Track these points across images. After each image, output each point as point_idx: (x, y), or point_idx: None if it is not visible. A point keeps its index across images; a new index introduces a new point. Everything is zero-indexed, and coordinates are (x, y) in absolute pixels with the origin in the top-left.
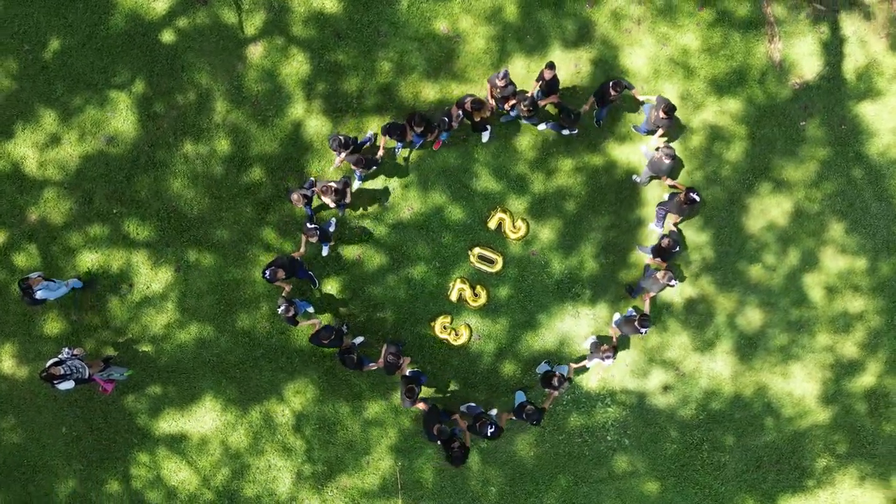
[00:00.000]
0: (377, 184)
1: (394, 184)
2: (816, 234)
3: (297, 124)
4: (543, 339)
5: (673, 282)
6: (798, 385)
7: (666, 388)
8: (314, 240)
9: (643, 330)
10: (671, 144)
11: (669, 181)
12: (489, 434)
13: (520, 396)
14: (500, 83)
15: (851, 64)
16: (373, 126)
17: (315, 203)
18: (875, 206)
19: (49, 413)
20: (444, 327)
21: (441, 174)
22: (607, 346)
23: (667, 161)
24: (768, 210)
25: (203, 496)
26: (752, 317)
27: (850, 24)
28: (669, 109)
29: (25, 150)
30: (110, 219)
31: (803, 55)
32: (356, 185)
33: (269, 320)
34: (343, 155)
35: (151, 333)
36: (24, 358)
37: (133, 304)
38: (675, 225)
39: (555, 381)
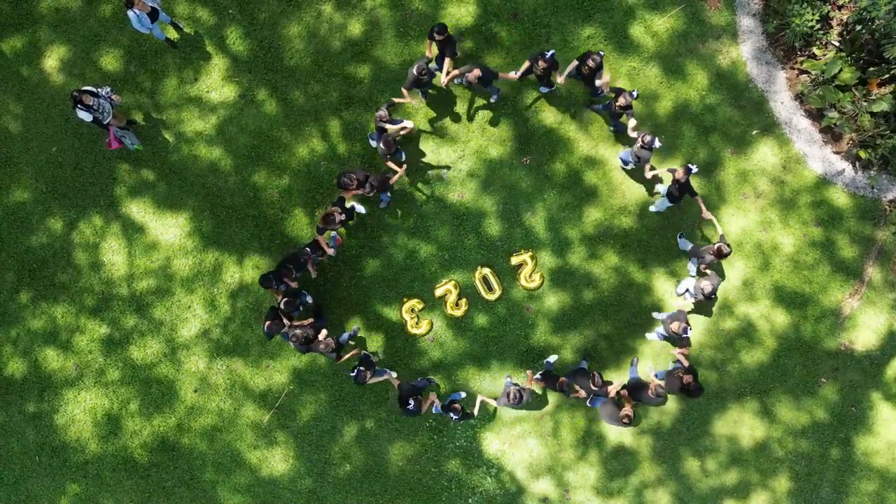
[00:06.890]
0: (452, 156)
1: (463, 165)
2: (763, 475)
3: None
4: (481, 381)
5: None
6: None
7: (544, 501)
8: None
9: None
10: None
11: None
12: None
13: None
14: (383, 113)
15: None
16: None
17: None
18: (827, 491)
19: (53, 127)
20: (412, 310)
21: (505, 188)
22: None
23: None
24: (740, 425)
25: (119, 287)
26: (660, 499)
27: None
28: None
29: None
30: (222, 14)
31: (868, 327)
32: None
33: (280, 193)
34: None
35: (181, 129)
36: (69, 70)
37: (185, 95)
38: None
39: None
